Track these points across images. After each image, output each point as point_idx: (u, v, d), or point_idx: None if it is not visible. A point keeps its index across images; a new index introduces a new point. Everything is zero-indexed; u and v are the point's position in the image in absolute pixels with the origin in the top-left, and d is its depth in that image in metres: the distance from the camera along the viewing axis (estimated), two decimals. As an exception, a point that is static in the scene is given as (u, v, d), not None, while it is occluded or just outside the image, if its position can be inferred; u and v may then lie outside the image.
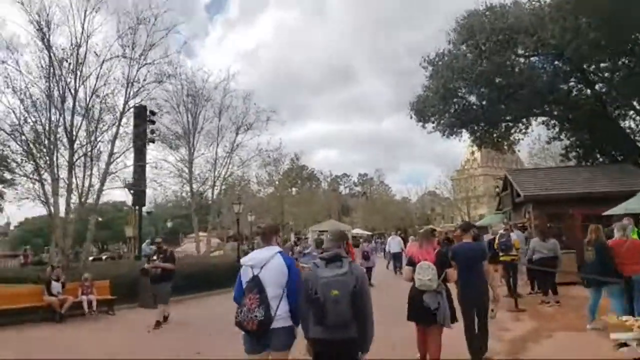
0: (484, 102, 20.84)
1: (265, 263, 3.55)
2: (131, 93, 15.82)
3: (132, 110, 16.96)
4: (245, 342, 3.58)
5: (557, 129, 22.31)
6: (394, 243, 19.34)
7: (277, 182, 42.98)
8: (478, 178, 72.83)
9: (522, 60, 19.77)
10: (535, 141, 33.92)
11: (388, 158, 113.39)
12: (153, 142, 19.45)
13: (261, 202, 42.84)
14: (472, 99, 21.49)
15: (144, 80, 16.11)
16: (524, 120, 23.09)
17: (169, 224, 34.20)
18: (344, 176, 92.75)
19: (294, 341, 3.60)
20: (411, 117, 23.10)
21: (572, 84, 19.94)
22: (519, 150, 27.69)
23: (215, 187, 22.09)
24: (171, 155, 21.60)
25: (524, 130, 24.01)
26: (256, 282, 3.48)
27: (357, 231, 48.85)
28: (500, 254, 11.47)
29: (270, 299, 3.45)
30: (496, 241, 11.71)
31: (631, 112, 19.86)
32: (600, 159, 20.33)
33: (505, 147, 25.24)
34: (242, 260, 3.77)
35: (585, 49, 14.98)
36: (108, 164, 15.37)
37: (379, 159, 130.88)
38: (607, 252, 6.91)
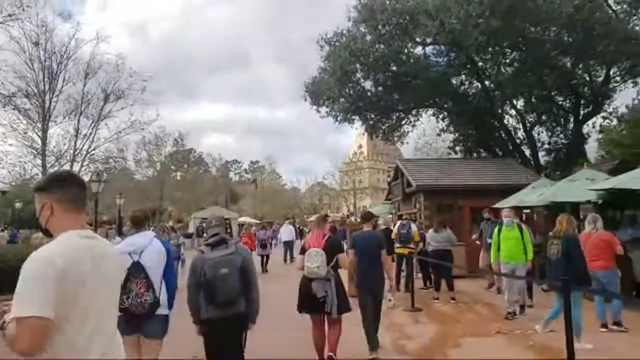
0: (379, 89, 20.28)
1: (144, 248, 3.58)
2: None
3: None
4: (122, 326, 2.98)
5: (446, 122, 22.70)
6: (286, 231, 18.69)
7: (158, 164, 39.08)
8: (364, 171, 75.43)
9: (419, 48, 19.54)
10: (420, 135, 35.28)
11: (281, 148, 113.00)
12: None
13: (138, 184, 38.65)
14: (368, 84, 20.85)
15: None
16: (415, 111, 23.17)
17: (17, 205, 28.78)
18: (235, 162, 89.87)
19: (166, 331, 3.62)
20: (305, 100, 21.86)
21: (463, 76, 20.23)
22: (407, 142, 28.03)
23: (76, 163, 18.42)
24: (20, 122, 17.54)
25: (413, 123, 24.20)
26: (139, 268, 3.50)
27: (244, 219, 46.91)
28: (397, 245, 10.65)
29: (154, 282, 3.50)
30: (394, 231, 10.85)
31: (512, 111, 20.82)
32: (483, 154, 21.02)
33: (395, 139, 25.27)
34: (118, 247, 3.51)
35: (484, 39, 14.87)
36: None
37: (272, 147, 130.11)
38: (577, 247, 5.95)
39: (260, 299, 3.82)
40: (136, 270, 3.50)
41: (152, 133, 36.66)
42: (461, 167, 16.53)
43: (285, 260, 17.74)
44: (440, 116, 23.17)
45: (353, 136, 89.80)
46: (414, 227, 10.72)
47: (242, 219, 44.98)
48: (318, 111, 21.87)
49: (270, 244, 16.33)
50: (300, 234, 21.34)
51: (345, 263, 5.00)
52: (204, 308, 3.56)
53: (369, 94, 21.00)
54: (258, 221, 45.19)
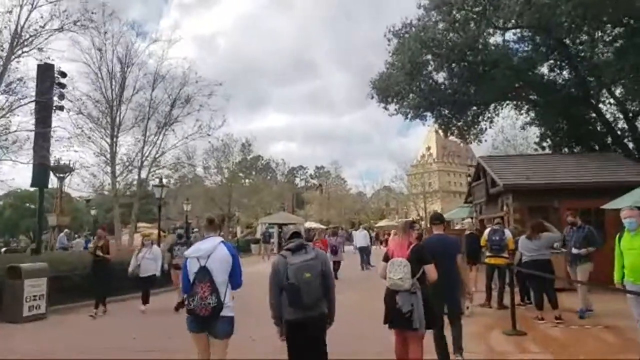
0: (454, 81, 18.58)
1: (210, 253, 3.76)
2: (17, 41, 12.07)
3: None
4: (190, 323, 3.77)
5: (531, 115, 20.42)
6: (360, 237, 17.96)
7: (225, 171, 39.47)
8: (434, 173, 72.36)
9: (497, 34, 17.63)
10: (498, 133, 32.60)
11: (345, 153, 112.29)
12: (62, 109, 15.73)
13: (206, 190, 39.25)
14: (441, 77, 19.24)
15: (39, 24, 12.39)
16: (493, 105, 21.09)
17: (93, 212, 30.29)
18: (300, 168, 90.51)
19: (232, 332, 3.83)
20: (372, 97, 20.59)
21: (551, 62, 17.91)
22: (485, 140, 25.74)
23: (144, 169, 18.53)
24: (93, 130, 17.89)
25: (491, 118, 22.13)
26: (205, 272, 3.69)
27: (310, 224, 46.39)
28: (488, 254, 9.11)
29: (218, 286, 3.69)
30: (484, 237, 9.32)
31: (611, 100, 18.16)
32: (575, 150, 18.56)
33: (471, 137, 23.22)
34: (187, 253, 3.91)
35: (579, 13, 12.81)
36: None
37: (337, 153, 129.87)
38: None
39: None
40: (202, 275, 3.70)
41: (220, 140, 37.33)
42: (554, 164, 14.47)
43: (362, 267, 16.81)
44: (524, 109, 20.93)
45: (420, 139, 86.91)
46: (508, 233, 9.13)
47: (308, 224, 44.48)
48: (386, 109, 20.54)
49: (340, 250, 15.83)
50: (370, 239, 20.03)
51: (434, 275, 4.42)
52: (287, 309, 3.75)
53: (442, 87, 19.37)
54: (324, 226, 44.49)
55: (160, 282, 10.45)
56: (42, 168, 15.35)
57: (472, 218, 19.32)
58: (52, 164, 25.51)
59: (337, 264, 14.95)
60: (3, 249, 29.03)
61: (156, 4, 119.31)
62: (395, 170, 60.02)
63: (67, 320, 9.06)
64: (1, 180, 13.58)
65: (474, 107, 20.81)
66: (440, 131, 22.51)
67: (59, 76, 15.48)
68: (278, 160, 57.74)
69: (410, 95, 19.82)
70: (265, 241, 26.78)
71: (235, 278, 3.87)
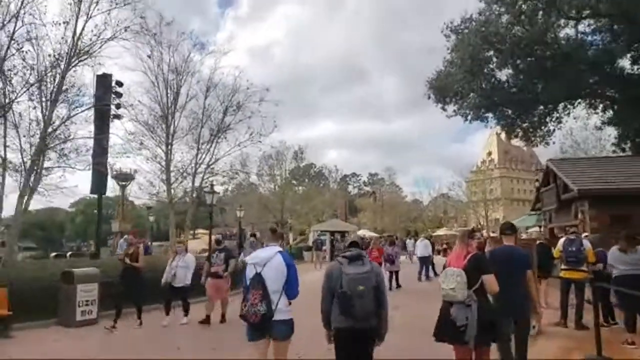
0: (519, 78, 17.24)
1: (267, 261, 3.86)
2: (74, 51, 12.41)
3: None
4: (248, 332, 3.89)
5: (607, 114, 18.57)
6: (421, 246, 16.95)
7: (278, 178, 39.63)
8: (495, 180, 68.95)
9: (570, 25, 16.15)
10: (566, 136, 30.28)
11: (399, 160, 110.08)
12: (119, 117, 16.16)
13: (260, 197, 39.56)
14: (504, 74, 17.99)
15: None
16: (563, 104, 19.42)
17: (151, 218, 31.26)
18: (353, 175, 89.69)
19: (292, 333, 3.93)
20: (429, 98, 19.70)
21: (633, 53, 16.12)
22: (553, 142, 23.79)
23: (198, 175, 18.65)
24: (149, 139, 18.29)
25: (559, 118, 20.40)
26: (259, 279, 3.79)
27: (363, 232, 45.44)
28: (563, 266, 8.02)
29: (271, 293, 3.77)
30: (558, 248, 8.24)
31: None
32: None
33: (538, 139, 21.51)
34: (247, 259, 4.06)
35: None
36: (44, 134, 12.04)
37: (390, 161, 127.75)
38: None
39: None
40: (256, 282, 3.79)
41: (273, 148, 37.51)
42: (635, 166, 12.89)
43: (419, 278, 16.09)
44: (599, 108, 19.10)
45: (476, 145, 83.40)
46: (587, 243, 7.96)
47: (361, 232, 43.57)
48: (444, 109, 19.57)
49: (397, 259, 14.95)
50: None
51: (494, 287, 4.11)
52: (337, 317, 3.75)
53: (505, 85, 18.14)
54: (377, 234, 43.44)
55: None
56: (100, 175, 15.87)
57: (540, 227, 17.83)
58: (114, 173, 26.74)
59: (395, 274, 14.45)
60: (69, 254, 30.57)
61: (214, 17, 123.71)
62: (452, 177, 57.38)
63: (117, 326, 8.93)
64: (66, 187, 13.81)
65: (541, 107, 19.30)
66: (503, 133, 21.06)
67: (116, 85, 15.96)
68: (331, 167, 57.30)
69: (471, 94, 18.75)
70: (317, 249, 26.28)
71: (291, 288, 3.92)
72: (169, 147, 18.03)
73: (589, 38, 16.70)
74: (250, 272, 3.91)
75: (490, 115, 20.00)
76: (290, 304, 3.95)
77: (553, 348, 6.58)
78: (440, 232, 42.87)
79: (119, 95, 15.97)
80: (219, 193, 14.63)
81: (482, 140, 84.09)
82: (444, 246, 32.09)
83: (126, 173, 28.45)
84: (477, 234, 5.51)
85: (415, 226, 58.14)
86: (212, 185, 13.63)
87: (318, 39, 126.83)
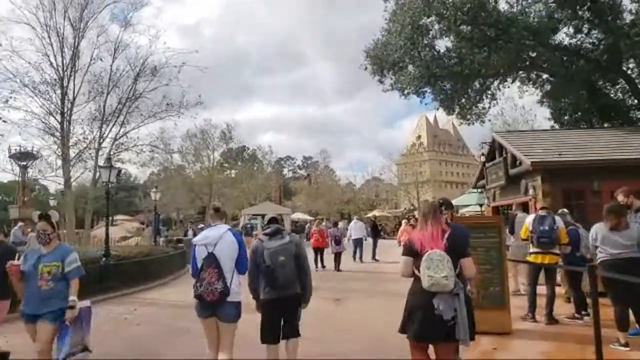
0: (461, 50, 16.13)
1: (218, 240, 3.88)
2: None
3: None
4: (198, 309, 3.93)
5: (544, 88, 18.09)
6: (356, 228, 16.74)
7: (205, 159, 36.73)
8: (424, 163, 70.22)
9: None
10: (497, 116, 30.41)
11: (333, 145, 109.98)
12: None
13: (185, 180, 36.52)
14: (445, 44, 16.80)
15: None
16: (501, 78, 18.77)
17: (52, 202, 27.41)
18: (288, 159, 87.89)
19: (240, 315, 3.95)
20: (365, 69, 18.16)
21: (574, 23, 15.40)
22: (489, 120, 23.29)
23: (104, 151, 15.70)
24: (36, 104, 15.06)
25: (494, 95, 19.88)
26: (213, 258, 3.82)
27: (298, 216, 43.92)
28: (532, 249, 6.72)
29: (225, 272, 3.81)
30: (525, 228, 6.92)
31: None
32: (597, 127, 16.26)
33: (474, 117, 20.88)
34: (195, 240, 4.04)
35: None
36: None
37: (325, 145, 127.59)
38: None
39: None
40: (210, 261, 3.82)
41: (197, 127, 34.51)
42: (587, 139, 12.17)
43: (354, 258, 16.30)
44: (537, 83, 18.59)
45: (407, 131, 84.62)
46: (559, 221, 6.67)
47: (295, 216, 41.98)
48: (381, 82, 18.13)
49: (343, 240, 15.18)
50: (374, 231, 17.84)
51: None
52: (264, 289, 4.11)
53: (445, 56, 16.93)
54: (311, 217, 42.11)
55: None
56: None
57: (480, 205, 17.06)
58: (12, 151, 22.75)
59: (339, 255, 14.35)
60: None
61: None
62: (384, 160, 57.36)
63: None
64: None
65: (480, 80, 18.48)
66: (440, 110, 20.06)
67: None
68: (265, 149, 54.77)
69: (409, 67, 17.43)
70: (248, 234, 24.20)
71: (241, 264, 3.97)
72: (64, 115, 14.96)
73: (533, 7, 15.83)
74: (201, 253, 3.90)
75: (428, 89, 18.90)
76: (240, 283, 3.98)
77: (533, 354, 5.22)
78: (373, 213, 42.28)
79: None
80: (119, 169, 12.03)
81: (411, 125, 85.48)
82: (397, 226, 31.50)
83: (27, 152, 24.56)
84: (443, 209, 4.25)
85: (349, 208, 57.72)
86: (109, 159, 10.99)
87: (252, 19, 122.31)
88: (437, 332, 3.34)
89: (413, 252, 3.51)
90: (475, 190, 16.45)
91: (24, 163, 26.54)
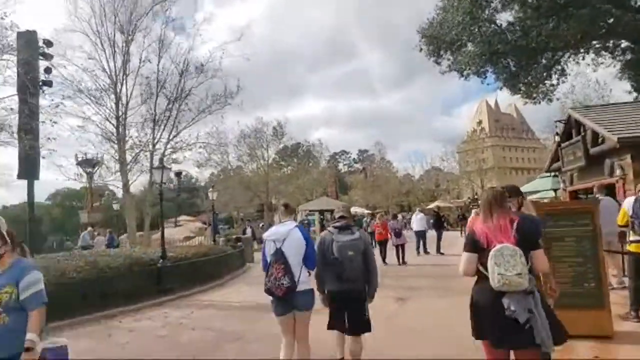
0: (527, 19, 14.72)
1: (286, 237, 3.96)
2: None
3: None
4: (274, 307, 4.01)
5: (623, 59, 16.21)
6: (416, 220, 16.36)
7: (259, 157, 36.95)
8: (487, 149, 66.94)
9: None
10: (567, 94, 28.04)
11: (388, 136, 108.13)
12: (49, 85, 13.32)
13: (241, 179, 36.97)
14: (508, 17, 15.45)
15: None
16: (570, 54, 17.06)
17: (115, 207, 28.51)
18: (343, 153, 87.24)
19: (314, 302, 4.01)
20: (420, 50, 17.12)
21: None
22: (557, 99, 21.32)
23: (157, 152, 15.90)
24: (95, 112, 15.50)
25: (563, 71, 18.15)
26: (280, 254, 3.90)
27: (355, 209, 43.26)
28: (633, 237, 5.70)
29: (292, 267, 3.88)
30: (623, 212, 5.90)
31: None
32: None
33: (540, 95, 19.22)
34: (265, 235, 4.16)
35: None
36: None
37: (379, 137, 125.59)
38: None
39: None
40: (277, 257, 3.89)
41: (248, 127, 34.81)
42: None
43: (417, 252, 15.97)
44: (615, 53, 16.71)
45: (464, 118, 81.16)
46: (664, 202, 5.60)
47: (352, 210, 41.33)
48: (438, 63, 17.06)
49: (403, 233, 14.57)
50: (438, 223, 16.98)
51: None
52: (330, 281, 4.20)
53: (508, 32, 15.57)
54: (369, 211, 41.32)
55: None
56: (29, 157, 13.12)
57: (555, 191, 15.58)
58: (79, 159, 23.91)
59: (402, 248, 14.07)
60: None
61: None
62: (445, 148, 55.07)
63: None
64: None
65: (547, 54, 16.89)
66: (505, 89, 18.59)
67: (44, 46, 13.13)
68: (318, 144, 54.46)
69: (468, 45, 16.24)
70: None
71: (309, 259, 4.02)
72: (119, 120, 15.27)
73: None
74: (270, 248, 4.00)
75: (489, 69, 17.60)
76: (310, 274, 4.04)
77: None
78: (436, 204, 40.72)
79: (48, 57, 13.11)
80: (169, 168, 12.01)
81: (469, 112, 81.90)
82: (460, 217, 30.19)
83: (91, 159, 25.75)
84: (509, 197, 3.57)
85: (408, 200, 56.26)
86: (161, 160, 10.95)
87: (299, 15, 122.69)
88: (512, 336, 2.92)
89: (478, 247, 3.08)
90: (548, 174, 14.98)
91: (90, 169, 27.92)
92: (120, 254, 10.47)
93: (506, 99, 76.74)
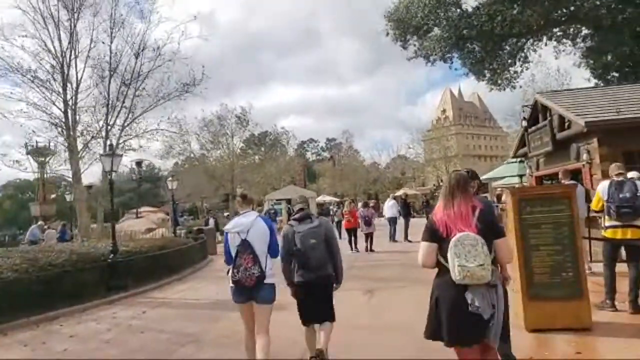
0: (492, 6, 14.55)
1: (250, 227, 3.92)
2: None
3: None
4: (234, 295, 4.00)
5: (585, 44, 16.34)
6: (389, 207, 16.43)
7: (223, 144, 35.90)
8: (451, 137, 67.92)
9: None
10: (528, 83, 28.34)
11: (355, 125, 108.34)
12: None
13: (206, 168, 35.89)
14: (472, 2, 15.26)
15: None
16: (532, 40, 17.13)
17: (68, 198, 26.96)
18: (311, 141, 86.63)
19: (275, 297, 4.00)
20: (387, 34, 16.73)
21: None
22: (520, 86, 21.42)
23: (110, 138, 14.82)
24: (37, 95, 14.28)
25: (525, 57, 18.28)
26: (247, 245, 3.88)
27: (323, 198, 42.93)
28: (608, 222, 5.47)
29: (259, 256, 3.87)
30: (598, 195, 5.66)
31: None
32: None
33: (505, 82, 19.29)
34: (226, 228, 4.10)
35: None
36: None
37: (347, 125, 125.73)
38: None
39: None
40: (244, 247, 3.87)
41: (214, 113, 33.76)
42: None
43: (391, 238, 15.83)
44: (577, 39, 16.83)
45: (429, 107, 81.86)
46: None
47: (320, 198, 40.96)
48: (404, 48, 16.75)
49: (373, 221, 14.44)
50: (405, 210, 16.69)
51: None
52: (297, 272, 4.22)
53: (474, 16, 15.36)
54: (337, 199, 41.03)
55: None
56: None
57: (520, 177, 15.61)
58: (29, 147, 22.36)
59: (370, 236, 13.88)
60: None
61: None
62: (412, 135, 55.29)
63: None
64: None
65: (511, 41, 16.87)
66: (471, 74, 18.50)
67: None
68: (281, 130, 53.57)
69: (435, 29, 15.98)
70: (271, 219, 23.30)
71: (273, 248, 4.02)
72: (68, 104, 14.13)
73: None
74: (235, 240, 3.94)
75: (455, 54, 17.47)
76: (272, 266, 4.00)
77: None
78: (403, 191, 40.87)
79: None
80: (120, 155, 11.07)
81: (433, 101, 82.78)
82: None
83: (43, 147, 24.19)
84: (473, 183, 3.44)
85: (375, 188, 56.43)
86: (111, 146, 9.99)
87: (267, 1, 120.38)
88: (471, 331, 2.73)
89: (437, 237, 2.83)
90: (514, 160, 14.97)
91: (42, 159, 26.25)
92: (66, 249, 9.60)
93: (469, 88, 78.17)
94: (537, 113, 11.73)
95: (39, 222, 22.12)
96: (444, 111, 76.40)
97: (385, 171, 63.94)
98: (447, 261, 2.72)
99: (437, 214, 2.90)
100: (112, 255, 9.47)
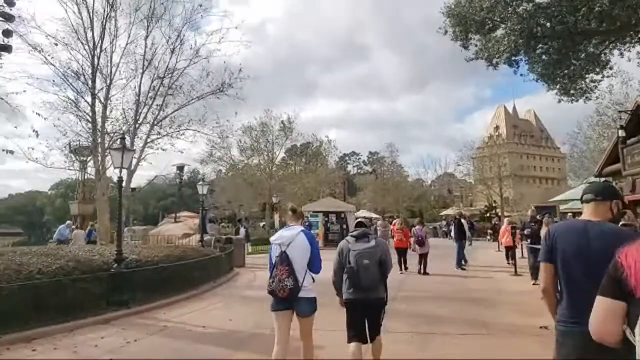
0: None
1: (291, 241, 3.99)
2: None
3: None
4: (272, 304, 4.01)
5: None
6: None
7: (265, 152, 34.87)
8: (503, 156, 64.13)
9: None
10: (603, 94, 25.43)
11: (400, 140, 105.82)
12: (8, 50, 11.29)
13: (245, 176, 34.94)
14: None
15: None
16: (625, 39, 14.69)
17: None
18: (353, 154, 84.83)
19: (315, 310, 4.04)
20: (445, 33, 14.84)
21: None
22: (596, 97, 18.85)
23: (139, 136, 13.80)
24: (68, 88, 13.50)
25: (606, 62, 15.80)
26: (284, 257, 3.94)
27: (362, 214, 40.93)
28: None
29: (297, 271, 3.90)
30: None
31: None
32: None
33: (578, 92, 16.82)
34: (271, 239, 4.19)
35: None
36: None
37: (391, 140, 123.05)
38: None
39: None
40: (282, 259, 3.93)
41: (256, 118, 32.95)
42: None
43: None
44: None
45: (477, 126, 78.20)
46: None
47: (360, 213, 39.02)
48: (465, 47, 14.77)
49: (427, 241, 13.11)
50: (460, 232, 14.65)
51: None
52: (347, 289, 4.18)
53: (551, 9, 13.26)
54: (377, 215, 38.99)
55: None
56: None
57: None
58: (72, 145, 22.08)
59: (424, 257, 12.67)
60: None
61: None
62: (462, 152, 52.16)
63: None
64: None
65: (595, 41, 14.55)
66: (541, 81, 16.24)
67: (4, 5, 11.14)
68: (324, 140, 52.23)
69: (502, 25, 13.99)
70: (308, 231, 21.70)
71: (314, 264, 4.05)
72: (96, 97, 13.19)
73: None
74: (275, 251, 4.03)
75: (522, 57, 15.32)
76: (313, 280, 4.05)
77: None
78: (447, 212, 38.26)
79: (9, 18, 11.11)
80: (133, 150, 9.86)
81: (483, 119, 79.16)
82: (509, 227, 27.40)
83: (84, 147, 23.96)
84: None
85: (419, 206, 53.88)
86: (122, 139, 8.70)
87: (316, 15, 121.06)
88: None
89: (624, 292, 1.63)
90: (596, 179, 12.63)
91: (82, 158, 26.03)
92: (65, 254, 8.34)
93: (524, 106, 74.02)
94: (638, 119, 9.54)
95: (67, 222, 21.70)
96: (496, 128, 72.58)
97: (430, 188, 61.19)
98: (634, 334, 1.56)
99: (629, 255, 1.64)
100: (115, 264, 8.12)
